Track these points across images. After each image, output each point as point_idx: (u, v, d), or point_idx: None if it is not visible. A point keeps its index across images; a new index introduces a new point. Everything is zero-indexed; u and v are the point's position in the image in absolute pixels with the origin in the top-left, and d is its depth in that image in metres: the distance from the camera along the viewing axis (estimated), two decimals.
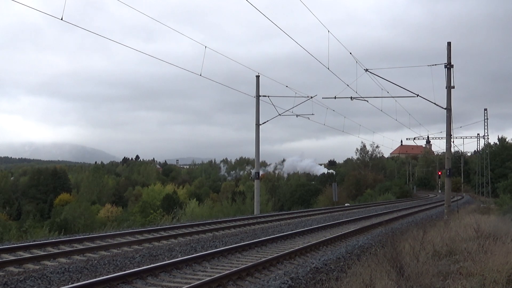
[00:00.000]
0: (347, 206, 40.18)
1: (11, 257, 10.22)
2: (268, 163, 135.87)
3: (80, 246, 12.14)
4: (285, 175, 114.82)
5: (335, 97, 26.74)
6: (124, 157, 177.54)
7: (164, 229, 16.24)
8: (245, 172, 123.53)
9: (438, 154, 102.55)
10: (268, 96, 30.22)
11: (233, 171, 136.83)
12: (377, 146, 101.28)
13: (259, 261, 10.26)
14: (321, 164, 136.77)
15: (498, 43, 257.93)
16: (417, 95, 24.41)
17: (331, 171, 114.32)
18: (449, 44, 22.89)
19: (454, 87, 23.06)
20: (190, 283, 8.32)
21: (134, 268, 9.42)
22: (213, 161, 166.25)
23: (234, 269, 9.32)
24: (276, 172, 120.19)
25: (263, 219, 21.70)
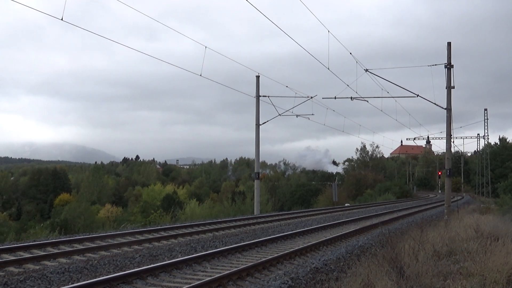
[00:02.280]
0: (347, 206, 40.20)
1: (11, 257, 10.22)
2: (267, 163, 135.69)
3: (80, 246, 12.14)
4: (301, 169, 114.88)
5: (335, 97, 26.73)
6: (124, 157, 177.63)
7: (164, 229, 16.25)
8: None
9: (438, 154, 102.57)
10: (268, 96, 30.24)
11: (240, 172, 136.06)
12: (377, 146, 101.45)
13: (259, 261, 10.27)
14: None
15: (502, 42, 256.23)
16: (417, 95, 24.41)
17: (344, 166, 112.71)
18: (449, 44, 22.87)
19: (454, 87, 23.04)
20: (190, 283, 8.32)
21: (134, 268, 9.43)
22: (213, 161, 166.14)
23: (234, 269, 9.32)
24: (297, 167, 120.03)
25: (263, 219, 21.70)
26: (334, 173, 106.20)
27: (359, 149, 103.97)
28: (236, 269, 9.36)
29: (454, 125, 24.19)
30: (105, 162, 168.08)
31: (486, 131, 75.67)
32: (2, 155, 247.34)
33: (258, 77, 30.37)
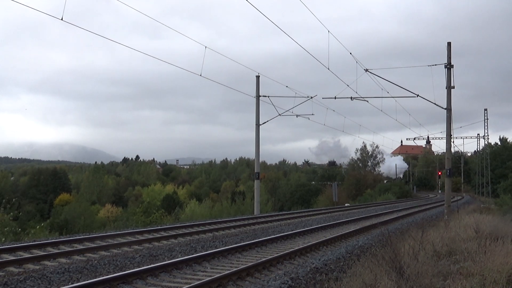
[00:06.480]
0: (347, 206, 40.20)
1: (11, 257, 10.22)
2: (268, 163, 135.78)
3: (80, 246, 12.14)
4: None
5: (335, 97, 26.73)
6: (124, 157, 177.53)
7: (164, 229, 16.25)
8: None
9: (438, 154, 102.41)
10: (268, 96, 30.24)
11: None
12: (377, 146, 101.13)
13: (259, 261, 10.26)
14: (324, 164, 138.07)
15: (509, 40, 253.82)
16: (417, 95, 24.42)
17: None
18: (449, 44, 22.90)
19: (454, 87, 23.07)
20: (190, 283, 8.32)
21: (134, 268, 9.43)
22: (213, 161, 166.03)
23: (234, 269, 9.32)
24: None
25: (263, 219, 21.70)
26: (335, 173, 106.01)
27: (359, 149, 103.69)
28: (236, 269, 9.36)
29: (454, 125, 24.23)
30: (105, 162, 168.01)
31: (486, 131, 75.61)
32: (2, 155, 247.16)
33: (258, 77, 30.37)
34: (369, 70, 23.04)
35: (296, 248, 12.40)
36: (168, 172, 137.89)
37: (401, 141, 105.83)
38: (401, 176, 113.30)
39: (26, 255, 10.49)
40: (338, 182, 74.20)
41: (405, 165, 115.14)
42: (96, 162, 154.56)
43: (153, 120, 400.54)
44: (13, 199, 32.36)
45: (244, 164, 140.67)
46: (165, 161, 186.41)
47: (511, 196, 38.28)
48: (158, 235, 14.67)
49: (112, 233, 14.80)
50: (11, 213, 27.08)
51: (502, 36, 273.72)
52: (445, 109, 23.38)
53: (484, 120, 74.31)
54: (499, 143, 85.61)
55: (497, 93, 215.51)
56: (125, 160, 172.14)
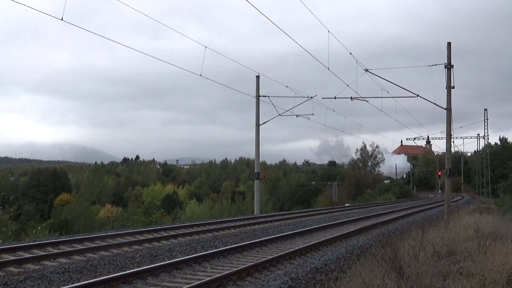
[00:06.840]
0: (347, 206, 40.20)
1: (11, 257, 10.22)
2: (268, 163, 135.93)
3: (80, 246, 12.14)
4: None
5: (335, 97, 26.73)
6: (124, 157, 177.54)
7: (164, 229, 16.26)
8: None
9: (438, 154, 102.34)
10: (268, 96, 30.25)
11: None
12: (377, 146, 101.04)
13: (259, 261, 10.26)
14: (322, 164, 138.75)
15: (510, 39, 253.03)
16: (417, 95, 24.42)
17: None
18: (449, 44, 22.90)
19: (454, 87, 23.07)
20: (190, 283, 8.32)
21: (134, 268, 9.43)
22: (213, 161, 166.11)
23: (234, 269, 9.32)
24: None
25: (263, 219, 21.71)
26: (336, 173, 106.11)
27: (359, 149, 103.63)
28: (236, 269, 9.36)
29: (454, 125, 24.25)
30: (105, 162, 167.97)
31: (486, 131, 75.62)
32: (2, 155, 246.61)
33: (258, 77, 30.37)
34: (369, 70, 23.05)
35: (296, 248, 12.40)
36: (168, 172, 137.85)
37: (401, 141, 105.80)
38: (404, 176, 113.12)
39: (26, 255, 10.49)
40: (338, 182, 74.20)
41: (408, 164, 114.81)
42: (96, 162, 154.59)
43: (153, 120, 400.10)
44: (10, 197, 32.40)
45: (244, 164, 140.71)
46: (165, 161, 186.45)
47: (511, 196, 38.26)
48: (158, 235, 14.67)
49: (112, 233, 14.80)
50: (11, 209, 27.14)
51: (502, 36, 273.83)
52: (445, 109, 23.38)
53: (484, 120, 74.33)
54: (499, 143, 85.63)
55: (497, 93, 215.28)
56: (125, 160, 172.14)
